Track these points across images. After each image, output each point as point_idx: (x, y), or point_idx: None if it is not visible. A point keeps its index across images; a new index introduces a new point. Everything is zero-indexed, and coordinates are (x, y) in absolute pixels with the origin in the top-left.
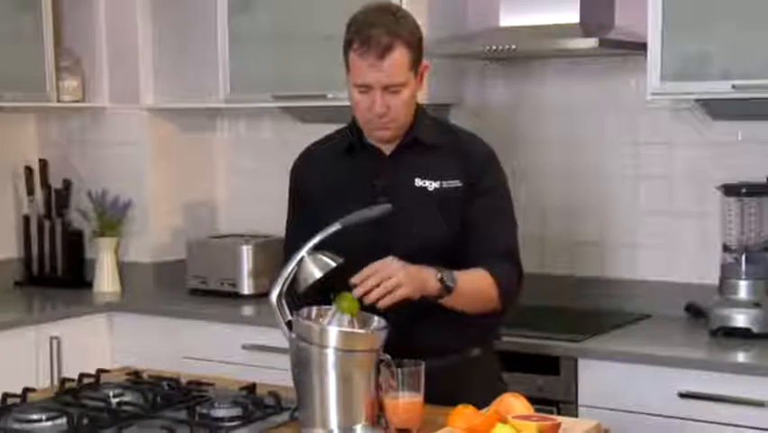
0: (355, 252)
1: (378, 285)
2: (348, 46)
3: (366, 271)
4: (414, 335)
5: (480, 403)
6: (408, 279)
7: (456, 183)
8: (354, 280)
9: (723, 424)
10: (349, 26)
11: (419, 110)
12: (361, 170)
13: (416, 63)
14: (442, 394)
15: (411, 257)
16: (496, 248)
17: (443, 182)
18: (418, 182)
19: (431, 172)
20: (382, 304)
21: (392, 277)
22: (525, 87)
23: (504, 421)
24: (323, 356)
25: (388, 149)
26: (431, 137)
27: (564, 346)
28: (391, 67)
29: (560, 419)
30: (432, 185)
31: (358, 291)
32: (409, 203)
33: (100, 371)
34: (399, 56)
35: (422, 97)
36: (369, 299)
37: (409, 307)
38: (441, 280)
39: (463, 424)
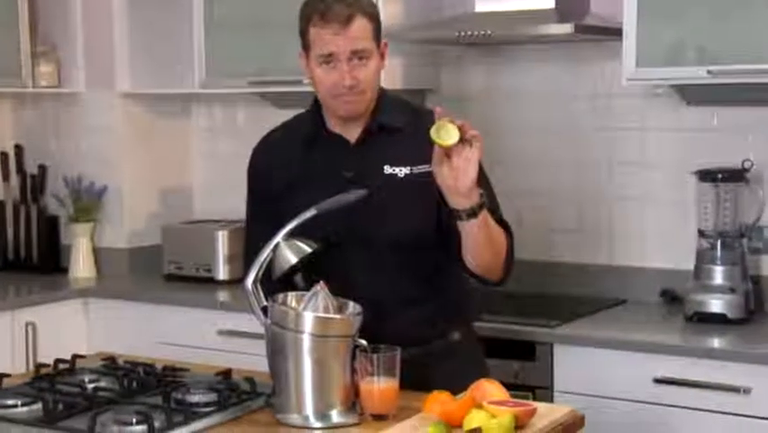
0: (329, 243)
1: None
2: (306, 24)
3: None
4: (392, 323)
5: (462, 390)
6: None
7: (426, 167)
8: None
9: (698, 409)
10: (305, 5)
11: (380, 92)
12: (327, 160)
13: (377, 36)
14: (422, 381)
15: (388, 246)
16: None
17: (413, 167)
18: (387, 169)
19: (399, 158)
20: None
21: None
22: (501, 73)
23: (479, 407)
24: (298, 342)
25: (352, 136)
26: (395, 120)
27: (540, 332)
28: (355, 32)
29: (535, 404)
30: (402, 171)
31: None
32: (380, 191)
33: (75, 356)
34: (363, 24)
35: (397, 83)
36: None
37: (387, 294)
38: (481, 194)
39: (438, 409)
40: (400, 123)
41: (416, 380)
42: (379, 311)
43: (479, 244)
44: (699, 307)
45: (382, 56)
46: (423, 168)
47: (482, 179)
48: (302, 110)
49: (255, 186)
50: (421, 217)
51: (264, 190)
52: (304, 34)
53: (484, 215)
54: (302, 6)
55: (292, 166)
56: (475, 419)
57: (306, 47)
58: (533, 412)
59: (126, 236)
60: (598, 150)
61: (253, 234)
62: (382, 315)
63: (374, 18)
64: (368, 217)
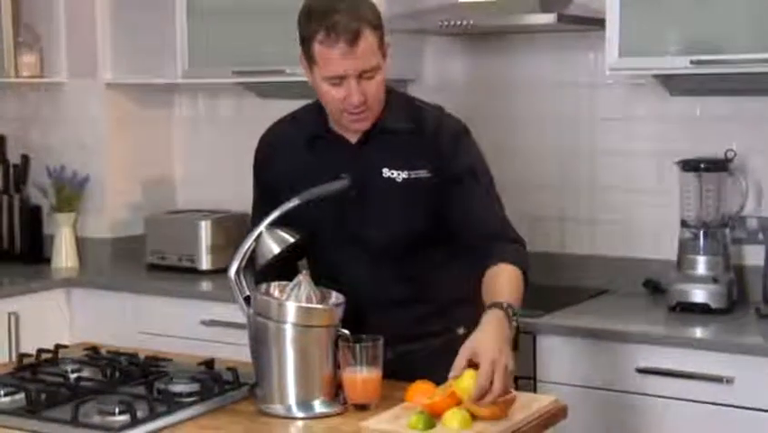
0: (324, 247)
1: (491, 385)
2: (310, 38)
3: (480, 383)
4: (392, 321)
5: None
6: (502, 354)
7: (423, 173)
8: (478, 401)
9: (681, 399)
10: (307, 16)
11: (386, 90)
12: (328, 160)
13: (382, 43)
14: (428, 375)
15: (385, 248)
16: (496, 231)
17: (411, 172)
18: (386, 172)
19: (399, 161)
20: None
21: (496, 371)
22: (484, 63)
23: (459, 403)
24: (281, 332)
25: (354, 137)
26: (398, 123)
27: (523, 322)
28: (364, 51)
29: (516, 393)
30: (400, 175)
31: (488, 403)
32: (378, 195)
33: (58, 346)
34: (369, 39)
35: None
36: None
37: (386, 294)
38: (514, 319)
39: (421, 399)
40: (402, 125)
41: (420, 375)
42: (376, 310)
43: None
44: (681, 297)
45: (385, 57)
46: (421, 173)
47: (485, 196)
48: (283, 100)
49: (259, 174)
50: (417, 221)
51: (266, 179)
52: (307, 46)
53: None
54: (304, 12)
55: (294, 161)
56: (456, 415)
57: (309, 59)
58: (512, 401)
59: (109, 226)
60: (581, 140)
61: (258, 218)
62: (381, 314)
63: (378, 26)
64: (364, 220)
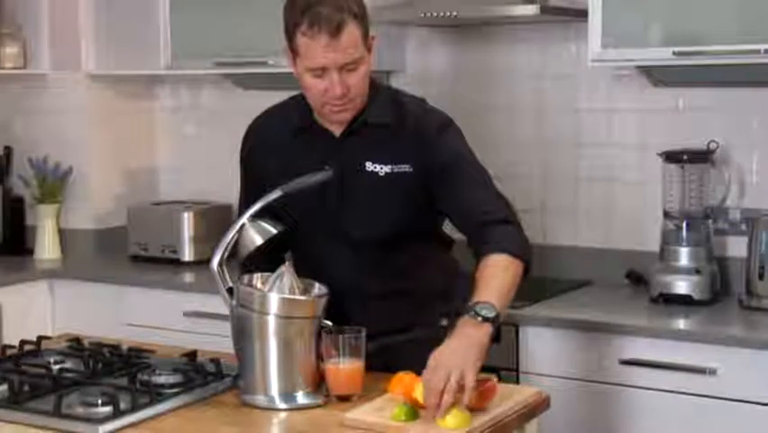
0: (307, 239)
1: (442, 393)
2: (294, 29)
3: (429, 391)
4: (374, 314)
5: None
6: (462, 362)
7: (406, 168)
8: (428, 403)
9: (664, 391)
10: (291, 6)
11: (370, 84)
12: (312, 152)
13: (366, 36)
14: (409, 367)
15: (366, 242)
16: (487, 214)
17: (395, 166)
18: (369, 166)
19: (382, 155)
20: (466, 401)
21: (450, 378)
22: (467, 54)
23: None
24: (263, 323)
25: (338, 130)
26: (382, 116)
27: (505, 313)
28: (346, 44)
29: (498, 383)
30: (383, 169)
31: (438, 413)
32: (361, 188)
33: (41, 337)
34: (352, 31)
35: None
36: (449, 410)
37: (367, 287)
38: (490, 320)
39: (403, 390)
40: (386, 119)
41: (404, 367)
42: (360, 303)
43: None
44: (664, 288)
45: (369, 50)
46: (404, 167)
47: (473, 181)
48: (266, 91)
49: (245, 166)
50: (399, 215)
51: (252, 169)
52: (290, 37)
53: (500, 306)
54: (288, 2)
55: (279, 153)
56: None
57: (292, 50)
58: (493, 389)
59: (92, 218)
60: (563, 131)
61: (244, 208)
62: (364, 307)
63: (363, 18)
64: (346, 213)
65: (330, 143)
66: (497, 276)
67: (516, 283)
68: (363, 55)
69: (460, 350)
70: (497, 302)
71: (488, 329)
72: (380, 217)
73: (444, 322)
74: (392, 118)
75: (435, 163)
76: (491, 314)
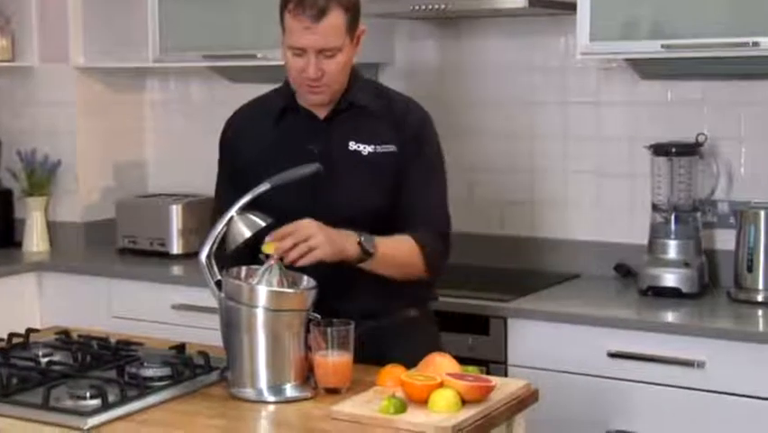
0: (287, 219)
1: (294, 246)
2: (284, 6)
3: (282, 231)
4: (347, 297)
5: (416, 365)
6: (326, 241)
7: (391, 148)
8: (270, 238)
9: (652, 383)
10: None
11: (354, 73)
12: (295, 134)
13: (352, 27)
14: (379, 356)
15: (346, 221)
16: (424, 216)
17: (378, 146)
18: (352, 146)
19: (365, 136)
20: (299, 264)
21: (309, 239)
22: (455, 47)
23: (441, 385)
24: (252, 316)
25: (322, 112)
26: (366, 100)
27: (494, 306)
28: (326, 30)
29: (495, 380)
30: (366, 149)
31: (276, 250)
32: (343, 168)
33: (29, 330)
34: (335, 19)
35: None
36: (287, 260)
37: (341, 269)
38: (360, 243)
39: (392, 383)
40: (369, 102)
41: (372, 354)
42: (334, 286)
43: (383, 271)
44: (653, 281)
45: (357, 41)
46: (388, 147)
47: (431, 183)
48: (254, 84)
49: (224, 157)
50: (380, 195)
51: (233, 162)
52: (281, 13)
53: (375, 258)
54: None
55: (261, 140)
56: (442, 396)
57: (282, 26)
58: (491, 389)
59: (80, 210)
60: (552, 123)
61: (223, 202)
62: (338, 289)
63: (350, 9)
64: (328, 191)
65: (314, 125)
66: (398, 241)
67: (406, 264)
68: (344, 45)
69: (331, 233)
70: (380, 247)
71: (356, 249)
72: (360, 196)
73: (413, 312)
74: (377, 103)
75: (413, 150)
76: (369, 244)
